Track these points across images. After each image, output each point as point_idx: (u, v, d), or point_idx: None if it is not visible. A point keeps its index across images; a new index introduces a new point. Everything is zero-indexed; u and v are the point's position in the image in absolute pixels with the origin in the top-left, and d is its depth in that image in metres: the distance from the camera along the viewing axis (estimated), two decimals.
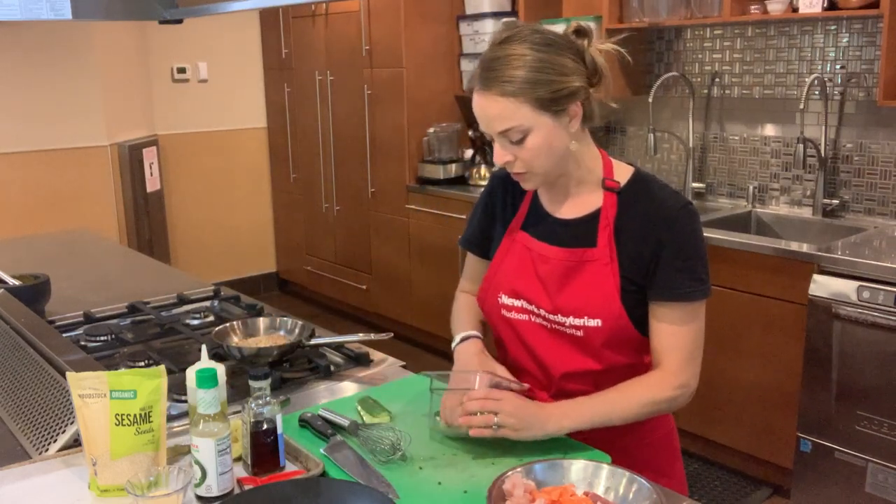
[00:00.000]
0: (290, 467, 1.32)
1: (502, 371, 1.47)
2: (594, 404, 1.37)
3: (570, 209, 1.45)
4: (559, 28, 1.39)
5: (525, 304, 1.46)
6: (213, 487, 1.22)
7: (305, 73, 5.17)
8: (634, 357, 1.44)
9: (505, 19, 4.10)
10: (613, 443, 1.42)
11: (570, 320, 1.40)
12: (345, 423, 1.45)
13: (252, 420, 1.28)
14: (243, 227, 5.73)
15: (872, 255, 2.62)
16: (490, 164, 4.33)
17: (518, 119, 1.31)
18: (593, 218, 1.42)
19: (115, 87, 4.72)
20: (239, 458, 1.33)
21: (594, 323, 1.38)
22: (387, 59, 4.46)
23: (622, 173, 1.44)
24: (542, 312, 1.44)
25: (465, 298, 1.66)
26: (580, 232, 1.42)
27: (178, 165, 5.36)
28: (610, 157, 1.47)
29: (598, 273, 1.39)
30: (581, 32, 1.37)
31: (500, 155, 1.37)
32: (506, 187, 1.54)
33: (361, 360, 1.81)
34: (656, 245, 1.37)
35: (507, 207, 1.54)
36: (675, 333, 1.38)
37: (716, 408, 3.10)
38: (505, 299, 1.48)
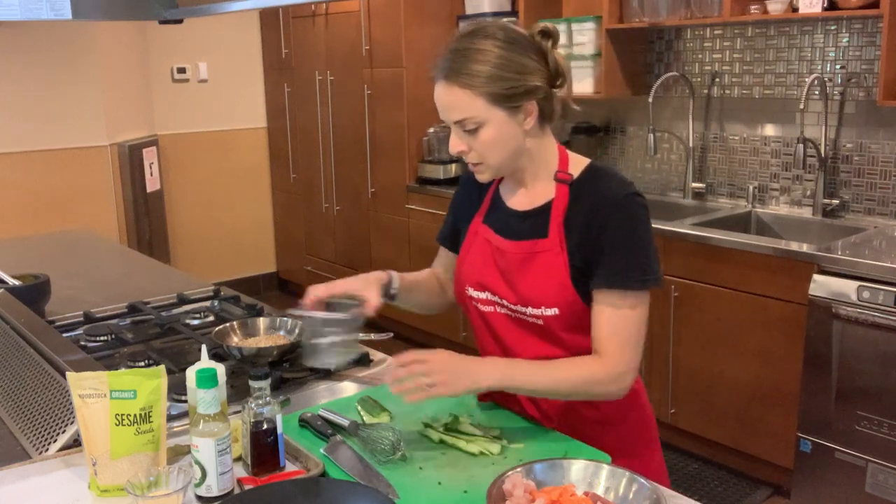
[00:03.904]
0: (290, 467, 1.32)
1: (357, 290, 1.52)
2: (527, 368, 1.39)
3: (525, 201, 1.50)
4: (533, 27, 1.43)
5: (490, 296, 1.51)
6: (213, 487, 1.22)
7: (305, 73, 5.17)
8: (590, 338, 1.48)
9: (506, 19, 4.11)
10: (584, 430, 1.45)
11: (530, 310, 1.45)
12: (345, 423, 1.45)
13: (252, 420, 1.28)
14: (243, 227, 5.73)
15: (872, 255, 2.62)
16: None
17: (472, 111, 1.36)
18: (546, 209, 1.46)
19: (115, 87, 4.72)
20: (239, 458, 1.33)
21: (552, 312, 1.42)
22: (387, 59, 4.46)
23: (577, 166, 1.49)
24: (506, 303, 1.49)
25: (425, 270, 1.71)
26: (533, 223, 1.47)
27: (178, 165, 5.36)
28: (568, 152, 1.51)
29: (549, 263, 1.43)
30: (546, 34, 1.41)
31: (455, 144, 1.42)
32: (472, 184, 1.59)
33: (361, 360, 1.81)
34: (599, 231, 1.39)
35: (472, 202, 1.60)
36: (613, 320, 1.39)
37: (716, 408, 3.10)
38: (472, 292, 1.54)
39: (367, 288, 1.51)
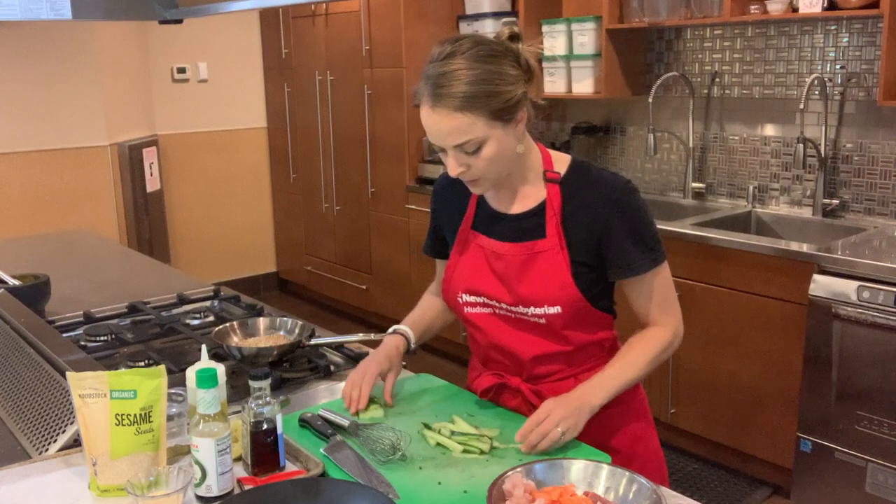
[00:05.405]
0: (290, 467, 1.33)
1: (389, 380, 1.59)
2: (613, 375, 1.45)
3: (517, 204, 1.51)
4: (495, 35, 1.44)
5: (486, 300, 1.52)
6: (213, 487, 1.22)
7: (305, 73, 5.17)
8: (596, 333, 1.53)
9: (505, 19, 4.11)
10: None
11: (532, 310, 1.47)
12: (345, 423, 1.45)
13: (252, 420, 1.28)
14: (243, 227, 5.73)
15: (872, 255, 2.62)
16: None
17: (474, 132, 1.36)
18: (540, 210, 1.48)
19: (115, 87, 4.72)
20: (239, 458, 1.33)
21: (554, 310, 1.45)
22: (387, 59, 4.46)
23: (560, 163, 1.51)
24: (504, 306, 1.50)
25: (425, 297, 1.78)
26: (529, 225, 1.49)
27: (178, 165, 5.36)
28: (547, 149, 1.53)
29: (550, 262, 1.45)
30: (514, 37, 1.42)
31: (455, 167, 1.41)
32: (448, 192, 1.60)
33: (361, 360, 1.81)
34: (605, 226, 1.44)
35: (453, 211, 1.60)
36: (648, 295, 1.49)
37: (716, 408, 3.10)
38: (465, 297, 1.55)
39: (383, 364, 1.59)
